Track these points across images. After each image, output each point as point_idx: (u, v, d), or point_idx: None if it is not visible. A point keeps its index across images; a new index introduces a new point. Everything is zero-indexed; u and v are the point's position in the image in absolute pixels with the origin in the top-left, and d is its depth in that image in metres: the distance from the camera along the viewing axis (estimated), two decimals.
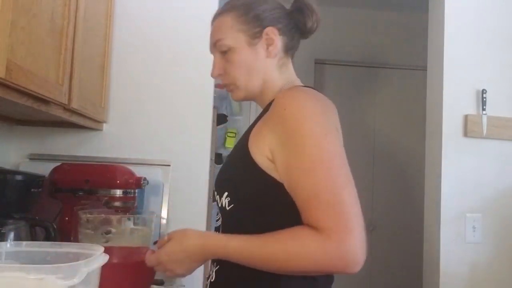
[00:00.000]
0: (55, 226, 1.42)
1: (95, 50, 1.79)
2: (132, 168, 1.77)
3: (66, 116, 1.54)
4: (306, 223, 0.85)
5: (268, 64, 1.06)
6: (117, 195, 1.67)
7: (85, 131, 1.98)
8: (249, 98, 1.11)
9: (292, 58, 1.12)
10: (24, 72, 1.13)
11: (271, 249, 0.87)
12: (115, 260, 1.24)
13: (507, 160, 2.16)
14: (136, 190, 1.73)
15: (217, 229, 1.06)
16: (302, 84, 1.09)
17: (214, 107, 2.53)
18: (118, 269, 1.12)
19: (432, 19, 2.34)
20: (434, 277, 2.14)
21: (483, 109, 2.13)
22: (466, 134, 2.14)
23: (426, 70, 2.37)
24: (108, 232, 1.52)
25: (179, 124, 2.03)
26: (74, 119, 1.63)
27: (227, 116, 3.23)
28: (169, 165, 2.00)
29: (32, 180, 1.49)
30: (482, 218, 2.13)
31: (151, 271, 1.23)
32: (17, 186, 1.44)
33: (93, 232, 1.52)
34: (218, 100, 2.90)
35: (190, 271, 0.99)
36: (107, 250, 1.27)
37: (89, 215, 1.54)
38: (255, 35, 1.04)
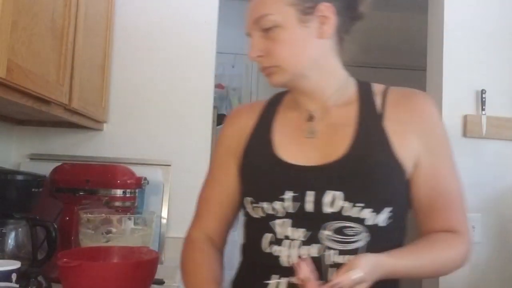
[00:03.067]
0: (56, 226, 1.42)
1: (95, 50, 1.79)
2: (133, 168, 1.77)
3: (66, 116, 1.55)
4: (442, 224, 0.93)
5: (321, 45, 0.94)
6: (118, 195, 1.67)
7: (86, 131, 1.98)
8: (293, 82, 0.96)
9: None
10: (24, 72, 1.13)
11: (440, 260, 0.94)
12: (115, 260, 1.25)
13: (507, 160, 2.16)
14: (137, 190, 1.73)
15: (349, 253, 0.87)
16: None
17: (214, 107, 2.53)
18: (118, 269, 1.12)
19: (432, 19, 2.34)
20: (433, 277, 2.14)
21: (483, 109, 2.13)
22: (465, 134, 2.14)
23: (425, 70, 2.38)
24: (109, 232, 1.52)
25: (179, 124, 2.03)
26: (75, 119, 1.64)
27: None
28: (169, 165, 2.00)
29: (32, 180, 1.49)
30: (481, 218, 2.13)
31: (151, 271, 1.24)
32: (17, 186, 1.44)
33: (93, 232, 1.52)
34: (218, 100, 2.91)
35: None
36: (107, 250, 1.28)
37: (89, 215, 1.54)
38: (307, 11, 0.90)
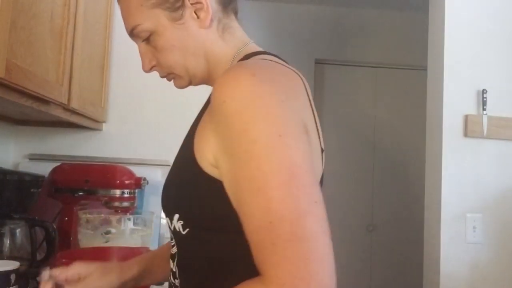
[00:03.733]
0: (55, 226, 1.41)
1: (95, 50, 1.78)
2: (132, 168, 1.77)
3: (65, 116, 1.54)
4: (258, 267, 0.61)
5: (205, 35, 0.82)
6: (117, 195, 1.66)
7: (85, 131, 1.98)
8: (198, 83, 0.88)
9: (236, 14, 0.87)
10: (23, 72, 1.13)
11: None
12: (114, 261, 1.25)
13: (508, 160, 2.16)
14: (136, 190, 1.72)
15: (172, 258, 0.82)
16: (258, 49, 0.84)
17: None
18: None
19: (432, 19, 2.34)
20: (434, 278, 2.13)
21: (484, 109, 2.13)
22: (466, 134, 2.13)
23: (426, 70, 2.37)
24: (108, 232, 1.52)
25: (179, 124, 2.02)
26: (74, 119, 1.63)
27: None
28: (169, 165, 1.99)
29: (31, 180, 1.48)
30: (482, 218, 2.12)
31: None
32: (16, 186, 1.43)
33: (93, 232, 1.52)
34: None
35: None
36: (106, 250, 1.27)
37: (89, 215, 1.54)
38: (176, 5, 0.79)
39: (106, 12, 1.91)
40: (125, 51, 2.03)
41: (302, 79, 0.77)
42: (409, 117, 3.62)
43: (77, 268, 0.90)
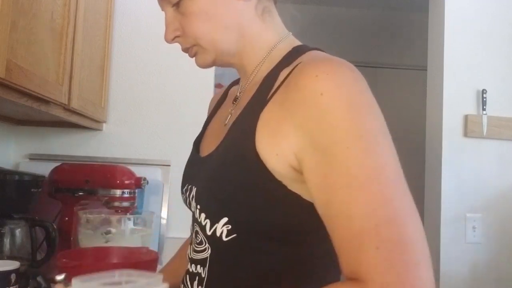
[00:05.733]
0: (55, 226, 1.41)
1: (95, 50, 1.78)
2: (132, 168, 1.76)
3: (66, 116, 1.54)
4: (349, 271, 0.56)
5: (241, 9, 0.74)
6: (117, 195, 1.66)
7: (85, 131, 1.98)
8: (222, 63, 0.79)
9: (275, 2, 0.81)
10: (24, 72, 1.13)
11: None
12: (114, 261, 1.24)
13: (508, 160, 2.16)
14: (136, 190, 1.72)
15: (201, 263, 0.74)
16: (303, 44, 0.80)
17: None
18: (118, 269, 1.11)
19: (432, 19, 2.34)
20: (434, 277, 2.14)
21: (483, 109, 2.13)
22: (466, 134, 2.13)
23: (426, 70, 2.37)
24: (108, 232, 1.52)
25: (179, 124, 2.03)
26: (74, 119, 1.63)
27: None
28: (169, 165, 2.00)
29: (32, 180, 1.48)
30: (482, 218, 2.12)
31: (151, 271, 1.23)
32: (16, 186, 1.44)
33: (93, 232, 1.52)
34: None
35: None
36: (106, 250, 1.27)
37: (89, 215, 1.54)
38: None
39: (107, 12, 1.91)
40: (126, 51, 2.03)
41: None
42: (409, 117, 3.62)
43: None
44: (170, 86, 2.04)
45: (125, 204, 1.68)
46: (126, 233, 1.51)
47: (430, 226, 2.23)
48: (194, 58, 0.80)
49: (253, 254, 0.68)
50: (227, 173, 0.69)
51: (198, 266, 0.75)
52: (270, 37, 0.77)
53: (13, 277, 1.05)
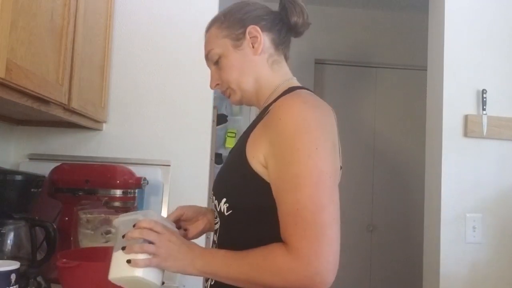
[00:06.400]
0: (55, 226, 1.41)
1: (95, 50, 1.78)
2: (132, 168, 1.77)
3: (66, 116, 1.54)
4: (283, 238, 0.87)
5: (257, 61, 1.08)
6: (117, 195, 1.67)
7: (85, 131, 1.98)
8: (246, 100, 1.12)
9: (285, 57, 1.13)
10: (24, 72, 1.13)
11: (247, 266, 0.89)
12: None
13: (507, 160, 2.16)
14: (136, 190, 1.73)
15: (215, 232, 1.06)
16: (298, 84, 1.09)
17: (214, 107, 2.53)
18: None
19: (432, 19, 2.34)
20: (434, 278, 2.13)
21: (483, 109, 2.13)
22: (466, 134, 2.13)
23: (426, 70, 2.37)
24: (108, 232, 1.52)
25: (179, 124, 2.03)
26: (74, 119, 1.63)
27: (227, 116, 3.23)
28: (169, 165, 2.00)
29: (32, 180, 1.49)
30: (482, 218, 2.12)
31: None
32: (17, 186, 1.44)
33: (93, 232, 1.52)
34: (218, 100, 2.90)
35: (172, 267, 0.94)
36: (106, 250, 1.27)
37: (89, 215, 1.54)
38: (239, 37, 1.07)
39: (107, 12, 1.91)
40: (126, 51, 2.03)
41: (332, 111, 1.01)
42: (408, 117, 3.62)
43: (180, 211, 1.15)
44: (170, 86, 2.04)
45: (125, 204, 1.68)
46: None
47: (430, 226, 2.23)
48: (229, 98, 1.13)
49: (243, 224, 0.98)
50: (229, 169, 1.05)
51: (214, 235, 1.06)
52: (276, 80, 1.09)
53: (13, 277, 1.05)
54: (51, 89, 1.32)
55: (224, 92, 1.13)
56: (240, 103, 1.13)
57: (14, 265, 1.07)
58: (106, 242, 1.49)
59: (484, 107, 2.13)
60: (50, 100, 1.35)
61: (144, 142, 2.01)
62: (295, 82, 1.10)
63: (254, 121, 1.06)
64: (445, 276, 2.09)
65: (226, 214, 0.99)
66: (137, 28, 2.04)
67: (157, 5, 2.05)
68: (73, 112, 1.59)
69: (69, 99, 1.49)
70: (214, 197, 1.04)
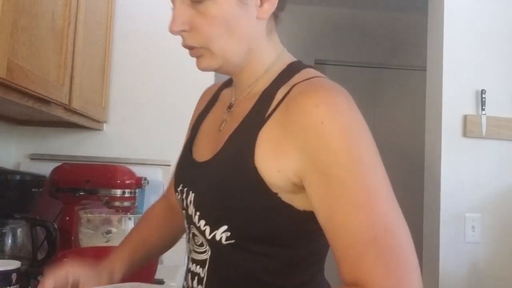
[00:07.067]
0: (56, 226, 1.42)
1: (95, 51, 1.79)
2: (133, 168, 1.77)
3: (66, 116, 1.55)
4: (350, 278, 0.63)
5: (256, 26, 0.78)
6: (118, 195, 1.67)
7: (86, 131, 1.98)
8: (224, 71, 0.81)
9: (277, 19, 0.84)
10: (25, 72, 1.13)
11: None
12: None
13: (507, 160, 2.16)
14: (137, 190, 1.73)
15: (201, 264, 0.80)
16: (294, 59, 0.85)
17: None
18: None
19: (432, 19, 2.34)
20: (433, 277, 2.14)
21: (483, 109, 2.13)
22: (465, 134, 2.14)
23: (425, 70, 2.38)
24: (109, 232, 1.53)
25: (179, 124, 2.03)
26: (75, 119, 1.64)
27: None
28: (169, 165, 2.00)
29: (32, 180, 1.49)
30: (481, 218, 2.13)
31: (151, 270, 1.24)
32: (17, 186, 1.44)
33: (93, 232, 1.52)
34: None
35: None
36: (107, 250, 1.28)
37: (89, 215, 1.55)
38: None
39: (107, 13, 1.92)
40: (126, 52, 2.03)
41: None
42: (408, 117, 3.62)
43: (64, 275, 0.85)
44: (170, 86, 2.04)
45: (126, 204, 1.68)
46: (126, 233, 1.51)
47: (429, 226, 2.23)
48: (196, 59, 0.80)
49: (248, 256, 0.75)
50: (227, 185, 0.74)
51: (198, 267, 0.80)
52: (271, 54, 0.81)
53: (14, 276, 1.06)
54: (52, 89, 1.33)
55: (189, 48, 0.79)
56: (212, 71, 0.81)
57: (15, 264, 1.07)
58: (107, 241, 1.50)
59: (483, 107, 2.13)
60: (51, 100, 1.35)
61: (145, 142, 2.01)
62: (289, 56, 0.85)
63: (251, 111, 0.77)
64: (444, 275, 2.09)
65: (223, 243, 0.74)
66: (137, 29, 2.04)
67: (157, 6, 2.05)
68: (74, 112, 1.59)
69: (70, 99, 1.49)
70: (201, 222, 0.77)
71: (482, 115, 2.13)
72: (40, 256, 1.40)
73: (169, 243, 1.05)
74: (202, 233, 0.77)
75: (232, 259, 0.75)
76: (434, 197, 2.18)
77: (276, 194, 0.70)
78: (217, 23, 0.74)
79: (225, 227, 0.74)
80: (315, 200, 0.68)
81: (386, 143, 3.69)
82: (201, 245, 0.79)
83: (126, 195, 1.68)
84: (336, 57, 3.64)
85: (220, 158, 0.77)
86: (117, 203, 1.66)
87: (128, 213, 1.65)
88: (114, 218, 1.55)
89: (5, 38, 1.02)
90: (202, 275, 0.79)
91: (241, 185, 0.72)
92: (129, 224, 1.54)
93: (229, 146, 0.77)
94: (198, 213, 0.78)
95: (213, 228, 0.75)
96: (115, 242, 1.42)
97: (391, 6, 3.57)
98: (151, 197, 1.93)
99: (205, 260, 0.79)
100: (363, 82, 3.68)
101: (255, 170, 0.70)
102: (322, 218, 0.68)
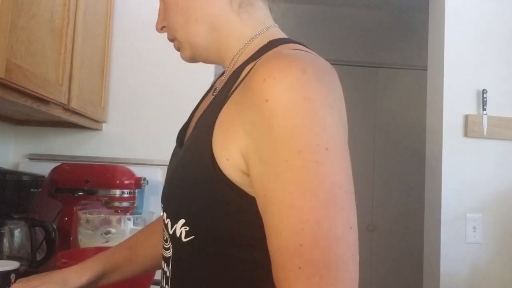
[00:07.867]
0: (55, 226, 1.41)
1: (94, 50, 1.78)
2: (132, 168, 1.77)
3: (65, 116, 1.54)
4: (276, 282, 0.56)
5: (212, 2, 0.73)
6: (117, 195, 1.66)
7: (85, 131, 1.98)
8: (202, 58, 0.78)
9: None
10: (23, 72, 1.13)
11: None
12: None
13: (508, 160, 2.16)
14: (136, 190, 1.72)
15: (166, 261, 0.73)
16: (283, 35, 0.75)
17: None
18: None
19: (432, 19, 2.34)
20: (434, 278, 2.13)
21: (484, 109, 2.13)
22: (466, 134, 2.13)
23: (426, 70, 2.37)
24: (108, 232, 1.52)
25: (180, 124, 2.02)
26: (74, 119, 1.63)
27: None
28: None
29: (31, 180, 1.48)
30: (482, 218, 2.12)
31: (148, 277, 1.23)
32: (16, 186, 1.43)
33: (92, 232, 1.52)
34: None
35: None
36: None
37: (89, 215, 1.54)
38: None
39: (106, 12, 1.91)
40: (125, 51, 2.03)
41: (335, 73, 0.68)
42: (409, 117, 3.62)
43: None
44: (170, 86, 2.04)
45: (125, 204, 1.68)
46: (126, 233, 1.51)
47: (430, 226, 2.23)
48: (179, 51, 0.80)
49: (210, 257, 0.65)
50: (184, 172, 0.67)
51: (165, 265, 0.74)
52: (247, 31, 0.73)
53: (12, 277, 1.05)
54: (51, 89, 1.32)
55: (173, 43, 0.80)
56: (194, 60, 0.79)
57: (13, 265, 1.07)
58: (106, 242, 1.49)
59: (485, 107, 2.12)
60: (50, 100, 1.35)
61: (144, 142, 2.01)
62: (278, 32, 0.75)
63: (217, 90, 0.73)
64: (445, 275, 2.09)
65: (183, 240, 0.66)
66: (137, 28, 2.04)
67: (157, 6, 2.04)
68: (73, 112, 1.59)
69: (69, 99, 1.49)
70: (164, 213, 0.72)
71: (483, 115, 2.12)
72: (39, 257, 1.40)
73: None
74: (166, 227, 0.71)
75: (193, 259, 0.67)
76: (435, 197, 2.17)
77: (235, 185, 0.60)
78: (173, 11, 0.74)
79: (183, 221, 0.66)
80: (255, 191, 0.59)
81: (387, 143, 3.68)
82: (166, 241, 0.72)
83: (125, 195, 1.68)
84: (336, 57, 3.63)
85: (185, 145, 0.71)
86: (116, 203, 1.66)
87: (128, 214, 1.65)
88: (113, 218, 1.54)
89: (4, 38, 1.02)
90: (168, 274, 0.72)
91: (196, 175, 0.64)
92: (128, 225, 1.54)
93: (194, 131, 0.69)
94: (162, 205, 0.73)
95: (173, 222, 0.68)
96: (114, 242, 1.42)
97: (392, 5, 3.56)
98: (150, 197, 1.93)
99: (169, 258, 0.72)
100: (363, 82, 3.68)
101: (212, 155, 0.61)
102: (261, 210, 0.58)
